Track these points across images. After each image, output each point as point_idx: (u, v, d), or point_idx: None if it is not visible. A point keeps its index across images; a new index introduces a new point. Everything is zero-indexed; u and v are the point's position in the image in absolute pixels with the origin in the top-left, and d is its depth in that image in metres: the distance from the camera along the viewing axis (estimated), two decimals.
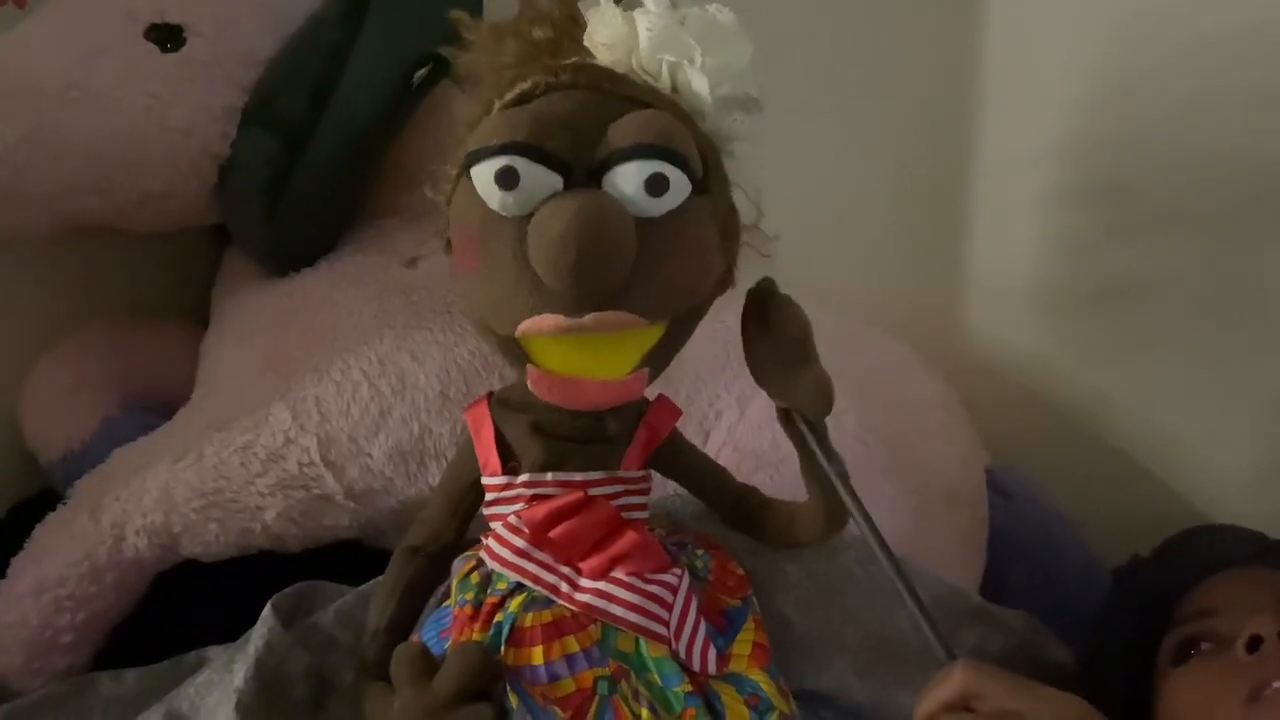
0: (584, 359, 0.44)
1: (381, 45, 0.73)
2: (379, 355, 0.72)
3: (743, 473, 0.69)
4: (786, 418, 0.49)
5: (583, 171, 0.42)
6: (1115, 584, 0.70)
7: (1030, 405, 0.87)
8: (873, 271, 0.91)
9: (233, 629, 0.61)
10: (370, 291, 0.75)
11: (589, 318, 0.42)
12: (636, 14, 0.45)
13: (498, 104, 0.44)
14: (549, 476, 0.46)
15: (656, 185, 0.42)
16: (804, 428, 0.48)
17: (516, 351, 0.45)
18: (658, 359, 0.46)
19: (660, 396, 0.51)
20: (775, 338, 0.47)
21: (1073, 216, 0.82)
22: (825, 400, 0.47)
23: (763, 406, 0.71)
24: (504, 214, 0.43)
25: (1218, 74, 0.74)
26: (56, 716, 0.60)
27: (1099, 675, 0.64)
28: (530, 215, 0.42)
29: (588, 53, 0.46)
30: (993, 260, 0.88)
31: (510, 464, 0.48)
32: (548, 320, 0.42)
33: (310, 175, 0.73)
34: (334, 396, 0.70)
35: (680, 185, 0.43)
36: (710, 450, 0.72)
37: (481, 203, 0.43)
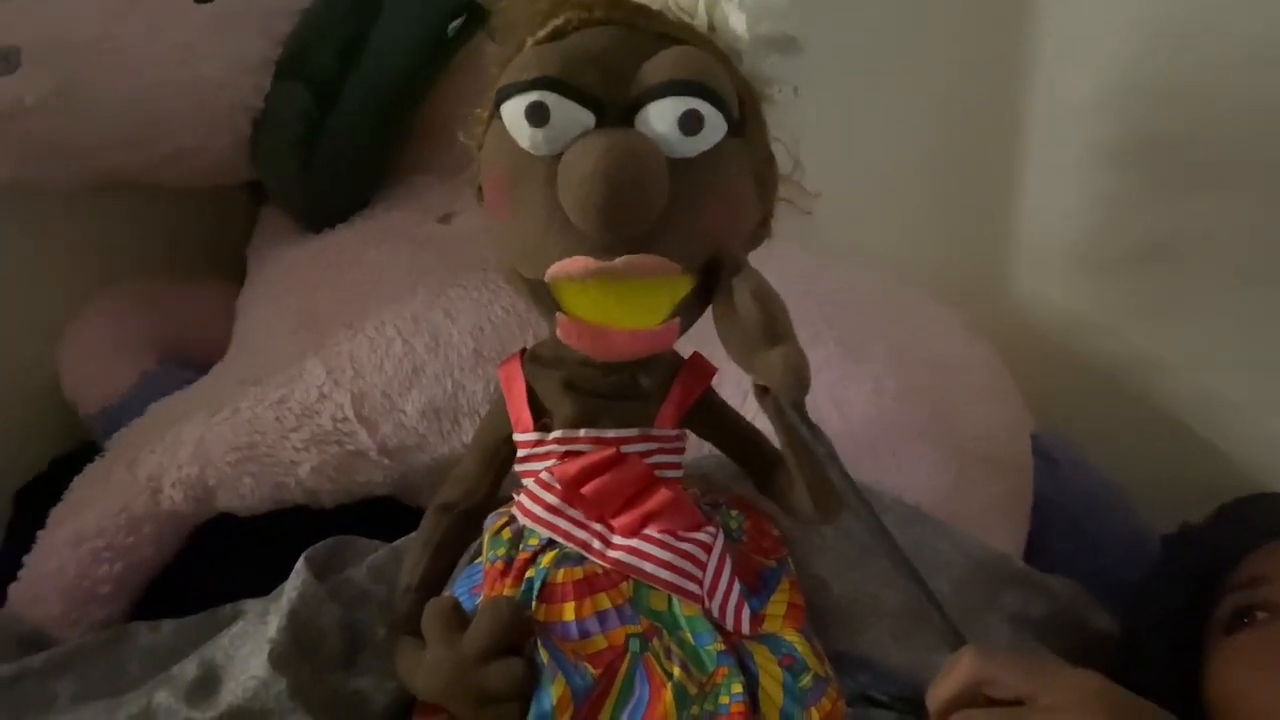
0: (614, 307, 0.43)
1: None
2: (412, 312, 0.71)
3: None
4: (763, 394, 0.47)
5: (615, 109, 0.41)
6: (1164, 551, 0.68)
7: (1076, 368, 0.85)
8: (916, 231, 0.89)
9: (267, 583, 0.61)
10: (405, 247, 0.75)
11: (619, 260, 0.41)
12: None
13: (530, 41, 0.43)
14: (581, 433, 0.46)
15: (691, 123, 0.41)
16: (786, 409, 0.45)
17: (546, 299, 0.44)
18: (690, 310, 0.45)
19: (695, 354, 0.50)
20: (740, 313, 0.45)
21: (1122, 174, 0.80)
22: (797, 380, 0.43)
23: None
24: (534, 152, 0.42)
25: (1271, 26, 0.71)
26: (94, 665, 0.60)
27: (1144, 643, 0.63)
28: (561, 155, 0.41)
29: None
30: (1039, 220, 0.85)
31: (542, 420, 0.47)
32: (577, 263, 0.41)
33: (343, 128, 0.73)
34: (368, 352, 0.70)
35: (715, 124, 0.41)
36: (749, 411, 0.70)
37: (512, 143, 0.42)
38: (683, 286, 0.44)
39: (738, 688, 0.44)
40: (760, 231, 0.49)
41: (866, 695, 0.58)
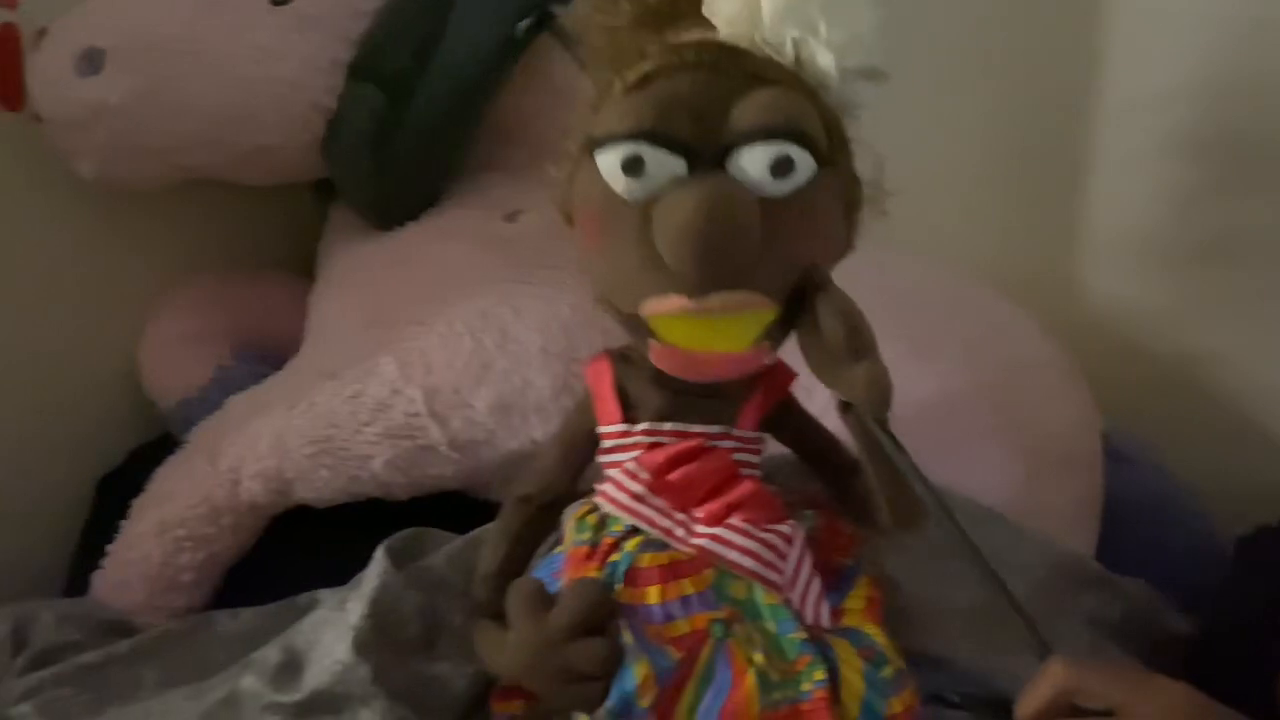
0: (706, 334, 0.44)
1: None
2: (481, 309, 0.72)
3: (846, 435, 0.68)
4: (845, 409, 0.47)
5: (707, 154, 0.42)
6: (1239, 554, 0.67)
7: (1148, 366, 0.84)
8: (984, 227, 0.88)
9: (341, 573, 0.62)
10: (473, 245, 0.76)
11: (714, 299, 0.42)
12: None
13: (619, 85, 0.44)
14: (667, 426, 0.46)
15: (782, 167, 0.42)
16: (868, 422, 0.46)
17: (640, 328, 0.45)
18: (779, 333, 0.46)
19: (778, 360, 0.51)
20: (823, 330, 0.45)
21: (1194, 168, 0.78)
22: (881, 397, 0.45)
23: None
24: (628, 198, 0.43)
25: None
26: (178, 651, 0.62)
27: (1220, 647, 0.62)
28: (654, 199, 0.42)
29: (704, 18, 0.45)
30: (1108, 214, 0.84)
31: (628, 415, 0.48)
32: (672, 301, 0.43)
33: (415, 128, 0.74)
34: (438, 349, 0.71)
35: (805, 165, 0.42)
36: (815, 409, 0.70)
37: (605, 185, 0.43)
38: (772, 312, 0.44)
39: (820, 675, 0.44)
40: (846, 245, 0.49)
41: (938, 696, 0.58)
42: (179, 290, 0.85)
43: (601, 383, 0.48)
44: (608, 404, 0.48)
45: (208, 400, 0.77)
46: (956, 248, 0.79)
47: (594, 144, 0.43)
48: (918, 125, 0.78)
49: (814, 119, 0.43)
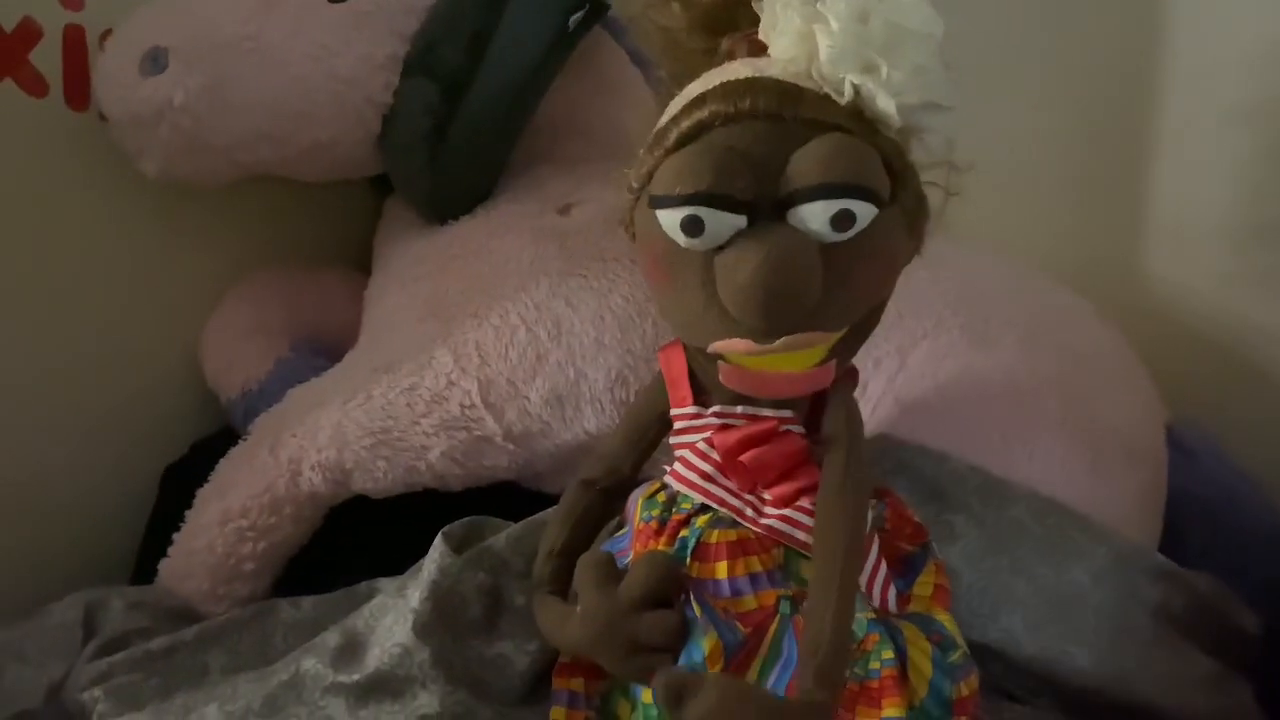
0: (773, 361, 0.45)
1: None
2: (535, 301, 0.72)
3: (904, 424, 0.68)
4: None
5: (766, 205, 0.42)
6: None
7: (1214, 355, 0.82)
8: (1042, 212, 0.86)
9: (399, 562, 0.63)
10: (526, 238, 0.76)
11: (779, 343, 0.42)
12: (816, 26, 0.42)
13: (675, 132, 0.43)
14: (739, 409, 0.47)
15: (842, 222, 0.42)
16: None
17: (707, 353, 0.46)
18: (845, 351, 0.46)
19: None
20: None
21: (1262, 151, 0.76)
22: None
23: (925, 355, 0.70)
24: (690, 249, 0.43)
25: None
26: (242, 637, 0.63)
27: None
28: (717, 247, 0.42)
29: (757, 21, 0.45)
30: (1170, 198, 0.82)
31: (700, 399, 0.48)
32: (740, 345, 0.43)
33: (470, 122, 0.75)
34: (493, 341, 0.71)
35: (866, 214, 0.42)
36: (869, 400, 0.70)
37: (666, 234, 0.43)
38: (838, 332, 0.45)
39: (888, 654, 0.44)
40: (913, 255, 0.48)
41: (998, 686, 0.57)
42: (239, 286, 0.87)
43: (674, 366, 0.49)
44: (681, 387, 0.48)
45: (267, 392, 0.78)
46: (1014, 235, 0.77)
47: (654, 202, 0.43)
48: (973, 112, 0.77)
49: (874, 164, 0.42)
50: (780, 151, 0.42)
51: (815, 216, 0.41)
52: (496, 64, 0.74)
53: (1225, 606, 0.63)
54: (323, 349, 0.84)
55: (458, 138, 0.75)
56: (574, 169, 0.81)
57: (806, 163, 0.41)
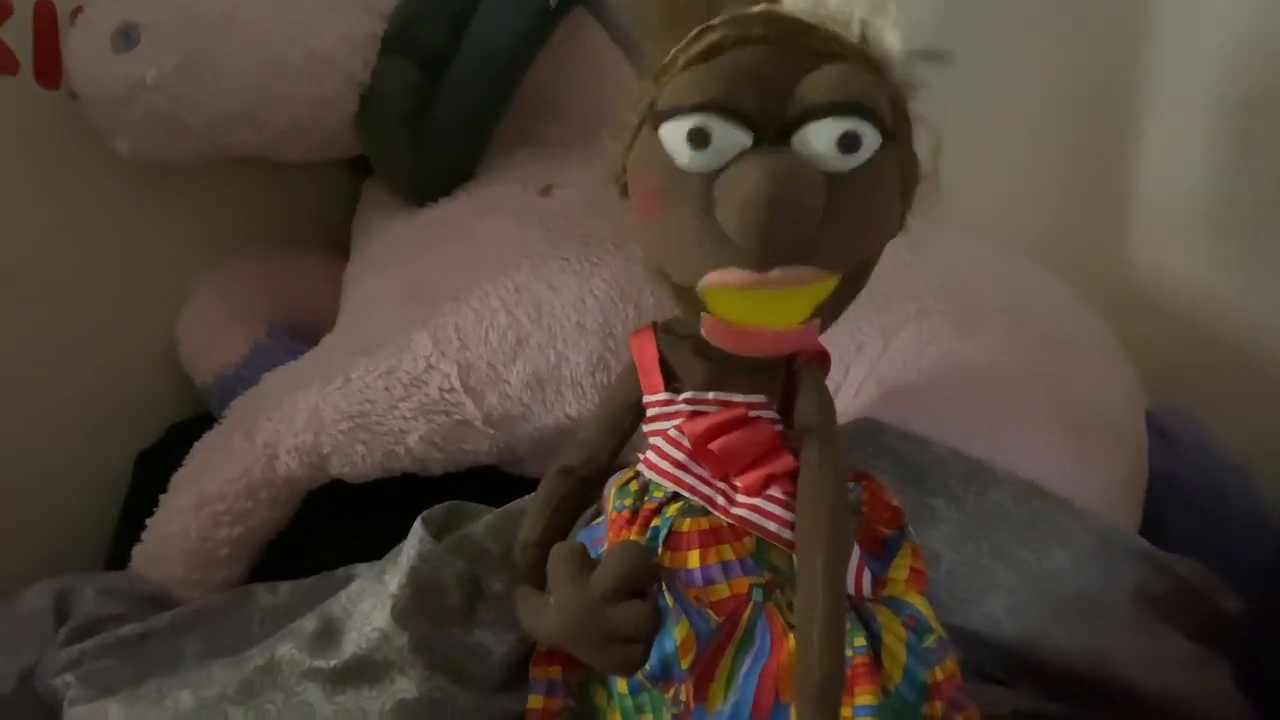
0: (759, 309, 0.44)
1: None
2: (516, 284, 0.72)
3: (887, 408, 0.68)
4: None
5: (772, 128, 0.41)
6: None
7: (1195, 340, 0.82)
8: (1025, 196, 0.86)
9: (377, 548, 0.62)
10: (507, 220, 0.75)
11: (775, 274, 0.41)
12: None
13: (683, 57, 0.43)
14: (710, 395, 0.46)
15: (850, 143, 0.41)
16: None
17: (692, 301, 0.45)
18: (830, 310, 0.45)
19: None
20: None
21: (1246, 134, 0.76)
22: None
23: (909, 339, 0.69)
24: (691, 170, 0.42)
25: None
26: (218, 624, 0.63)
27: (1270, 625, 0.61)
28: (716, 171, 0.42)
29: None
30: (1154, 184, 0.82)
31: (672, 385, 0.48)
32: (733, 275, 0.42)
33: (450, 102, 0.74)
34: (473, 324, 0.71)
35: (872, 141, 0.41)
36: (852, 384, 0.70)
37: (665, 157, 0.43)
38: (825, 289, 0.44)
39: (860, 641, 0.44)
40: (898, 227, 0.48)
41: (979, 670, 0.57)
42: (216, 269, 0.85)
43: (645, 353, 0.48)
44: (651, 374, 0.48)
45: (244, 377, 0.77)
46: (998, 220, 0.77)
47: (659, 116, 0.43)
48: (960, 96, 0.77)
49: (880, 96, 0.42)
50: (789, 75, 0.42)
51: (822, 136, 0.41)
52: (477, 42, 0.73)
53: (1206, 589, 0.63)
54: (301, 333, 0.83)
55: (437, 118, 0.74)
56: (556, 150, 0.81)
57: (816, 84, 0.41)
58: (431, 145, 0.75)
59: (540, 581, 0.48)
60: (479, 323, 0.71)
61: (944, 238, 0.75)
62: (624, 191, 0.47)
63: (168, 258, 0.84)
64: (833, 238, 0.41)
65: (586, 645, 0.44)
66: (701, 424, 0.45)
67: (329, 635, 0.55)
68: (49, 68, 0.74)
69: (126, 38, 0.69)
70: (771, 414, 0.46)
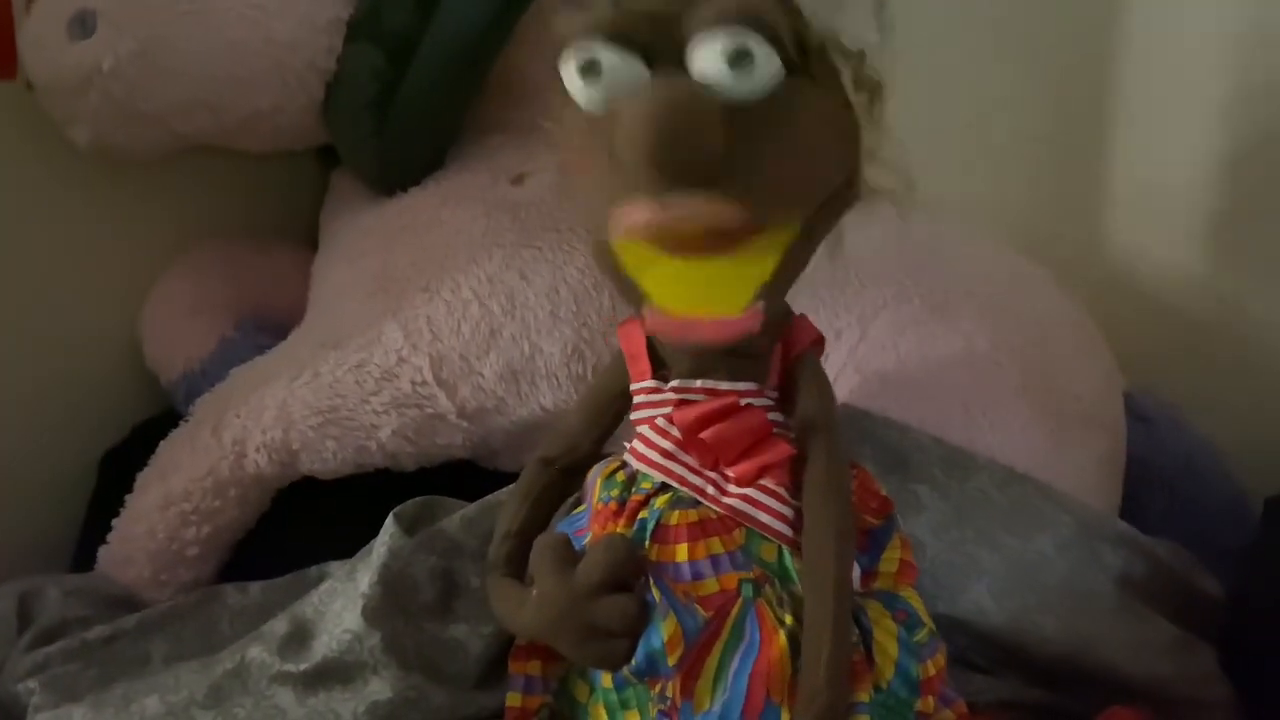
0: (696, 294, 0.42)
1: None
2: (488, 274, 0.70)
3: (866, 395, 0.67)
4: None
5: (666, 59, 0.40)
6: (1266, 515, 0.66)
7: (1173, 324, 0.82)
8: (1004, 181, 0.86)
9: (350, 545, 0.61)
10: (478, 209, 0.74)
11: (681, 205, 0.39)
12: None
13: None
14: (698, 384, 0.45)
15: (739, 58, 0.39)
16: None
17: (633, 293, 0.44)
18: (773, 291, 0.43)
19: (801, 316, 0.49)
20: None
21: (1224, 121, 0.76)
22: None
23: (886, 325, 0.69)
24: (590, 109, 0.41)
25: None
26: (185, 625, 0.61)
27: (1250, 609, 0.61)
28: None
29: None
30: (1135, 168, 0.82)
31: (660, 372, 0.46)
32: (637, 211, 0.40)
33: (417, 87, 0.72)
34: (445, 315, 0.69)
35: (766, 61, 0.39)
36: (830, 371, 0.69)
37: (580, 111, 0.42)
38: (764, 266, 0.42)
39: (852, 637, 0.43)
40: (847, 192, 0.46)
41: (965, 659, 0.57)
42: (181, 262, 0.84)
43: (633, 340, 0.47)
44: (640, 361, 0.46)
45: (210, 373, 0.75)
46: (973, 204, 0.76)
47: (559, 59, 0.42)
48: (939, 82, 0.76)
49: (778, 16, 0.40)
50: (678, 4, 0.40)
51: (711, 54, 0.39)
52: (445, 24, 0.71)
53: (1187, 572, 0.63)
54: (268, 327, 0.81)
55: (405, 103, 0.73)
56: (528, 137, 0.79)
57: (705, 6, 0.40)
58: (399, 132, 0.74)
59: (518, 573, 0.47)
60: (451, 314, 0.69)
61: (920, 224, 0.75)
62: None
63: (131, 252, 0.83)
64: (740, 171, 0.40)
65: (570, 639, 0.43)
66: (692, 412, 0.44)
67: (300, 638, 0.54)
68: (5, 58, 0.72)
69: (83, 25, 0.68)
70: (764, 401, 0.45)
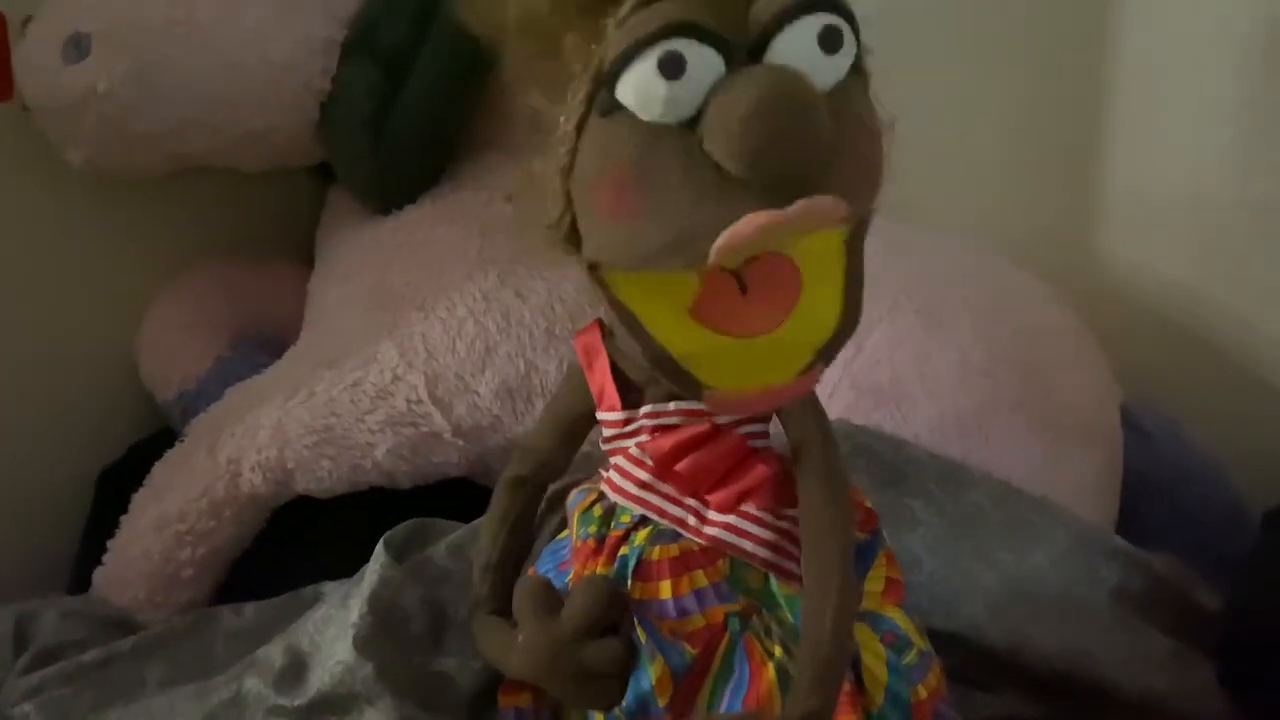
0: (750, 366, 0.39)
1: None
2: (483, 292, 0.71)
3: (861, 410, 0.67)
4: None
5: (742, 50, 0.37)
6: (1265, 527, 0.66)
7: (1170, 335, 0.82)
8: (997, 189, 0.85)
9: (346, 564, 0.61)
10: (474, 227, 0.74)
11: (798, 206, 0.35)
12: None
13: (613, 22, 0.38)
14: (671, 406, 0.43)
15: (831, 40, 0.36)
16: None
17: (684, 377, 0.40)
18: (831, 351, 0.40)
19: None
20: None
21: (1222, 128, 0.76)
22: None
23: (881, 339, 0.69)
24: (667, 118, 0.37)
25: None
26: (181, 649, 0.61)
27: (1250, 622, 0.60)
28: (692, 121, 0.36)
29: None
30: (1131, 175, 0.82)
31: (629, 397, 0.44)
32: (750, 222, 0.35)
33: (413, 105, 0.73)
34: (440, 334, 0.70)
35: (849, 46, 0.37)
36: (826, 387, 0.69)
37: (630, 128, 0.37)
38: (825, 326, 0.39)
39: None
40: (875, 192, 0.44)
41: (962, 675, 0.56)
42: (177, 280, 0.84)
43: (595, 361, 0.44)
44: (605, 386, 0.44)
45: (206, 392, 0.75)
46: (967, 213, 0.76)
47: (616, 66, 0.37)
48: (930, 93, 0.76)
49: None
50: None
51: (801, 39, 0.36)
52: (440, 44, 0.72)
53: (1184, 586, 0.63)
54: (265, 345, 0.81)
55: (401, 121, 0.73)
56: (523, 155, 0.79)
57: None
58: (394, 150, 0.74)
59: (504, 607, 0.46)
60: (446, 332, 0.70)
61: (914, 236, 0.75)
62: (568, 239, 0.40)
63: (127, 270, 0.83)
64: (839, 161, 0.36)
65: (559, 684, 0.42)
66: (666, 441, 0.43)
67: (296, 671, 0.53)
68: (0, 80, 0.72)
69: (77, 47, 0.68)
70: (747, 426, 0.44)
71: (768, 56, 0.37)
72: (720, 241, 0.36)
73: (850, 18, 0.37)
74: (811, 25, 0.36)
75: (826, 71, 0.37)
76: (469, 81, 0.74)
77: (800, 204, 0.35)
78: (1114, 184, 0.83)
